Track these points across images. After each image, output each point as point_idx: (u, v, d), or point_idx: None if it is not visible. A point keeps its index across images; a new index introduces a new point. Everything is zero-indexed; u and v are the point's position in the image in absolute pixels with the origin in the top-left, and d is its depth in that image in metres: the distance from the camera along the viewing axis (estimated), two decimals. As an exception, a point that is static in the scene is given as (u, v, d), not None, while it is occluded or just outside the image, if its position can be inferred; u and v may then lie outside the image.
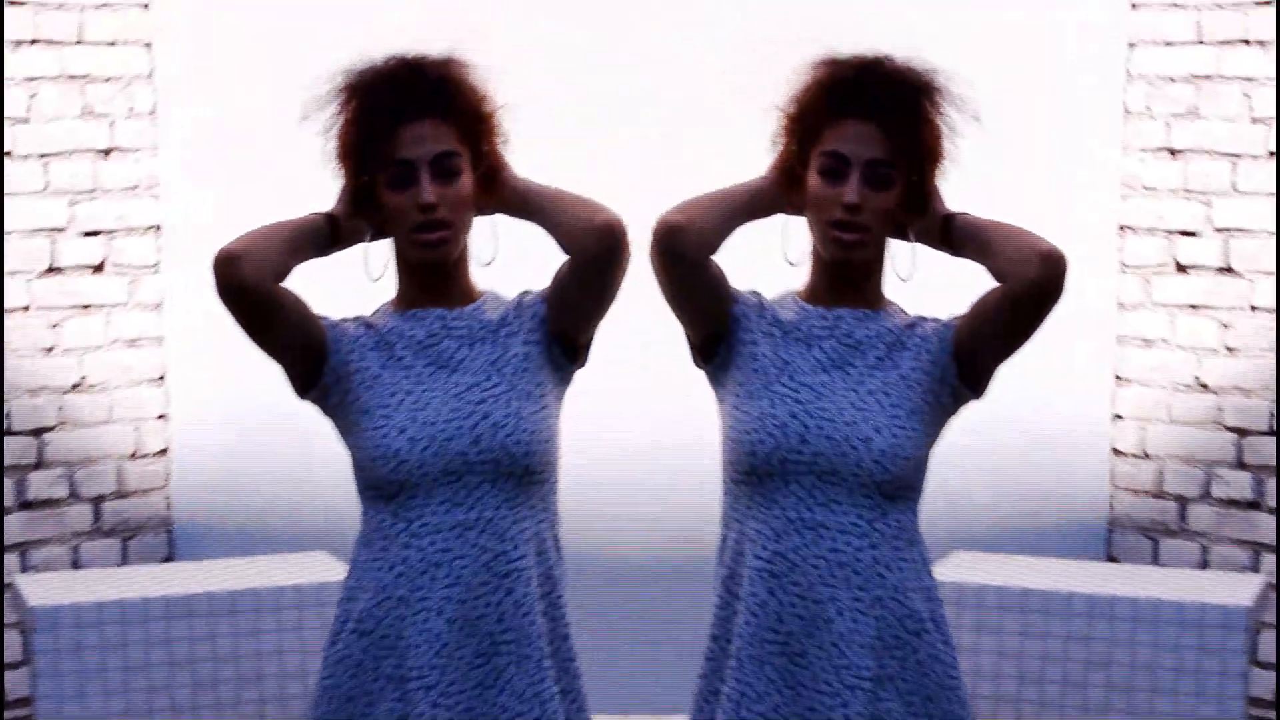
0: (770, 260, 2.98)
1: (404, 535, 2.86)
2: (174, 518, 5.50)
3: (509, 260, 3.03)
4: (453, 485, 2.86)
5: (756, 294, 2.98)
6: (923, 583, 2.90)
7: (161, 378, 5.48)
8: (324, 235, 2.88)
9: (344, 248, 2.92)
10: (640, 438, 5.16)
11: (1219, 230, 5.30)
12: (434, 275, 2.92)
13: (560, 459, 2.97)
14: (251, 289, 2.78)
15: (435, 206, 2.82)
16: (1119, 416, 5.50)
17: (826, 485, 2.85)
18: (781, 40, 4.44)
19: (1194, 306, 5.36)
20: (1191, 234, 5.35)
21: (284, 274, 2.83)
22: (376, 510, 2.89)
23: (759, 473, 2.86)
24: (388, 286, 2.99)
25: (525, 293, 2.98)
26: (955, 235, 2.89)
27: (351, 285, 2.98)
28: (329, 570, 4.61)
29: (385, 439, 2.85)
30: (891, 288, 2.96)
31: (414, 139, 2.83)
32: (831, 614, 2.83)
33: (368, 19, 4.94)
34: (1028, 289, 2.79)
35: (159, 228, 5.44)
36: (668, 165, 4.93)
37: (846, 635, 2.83)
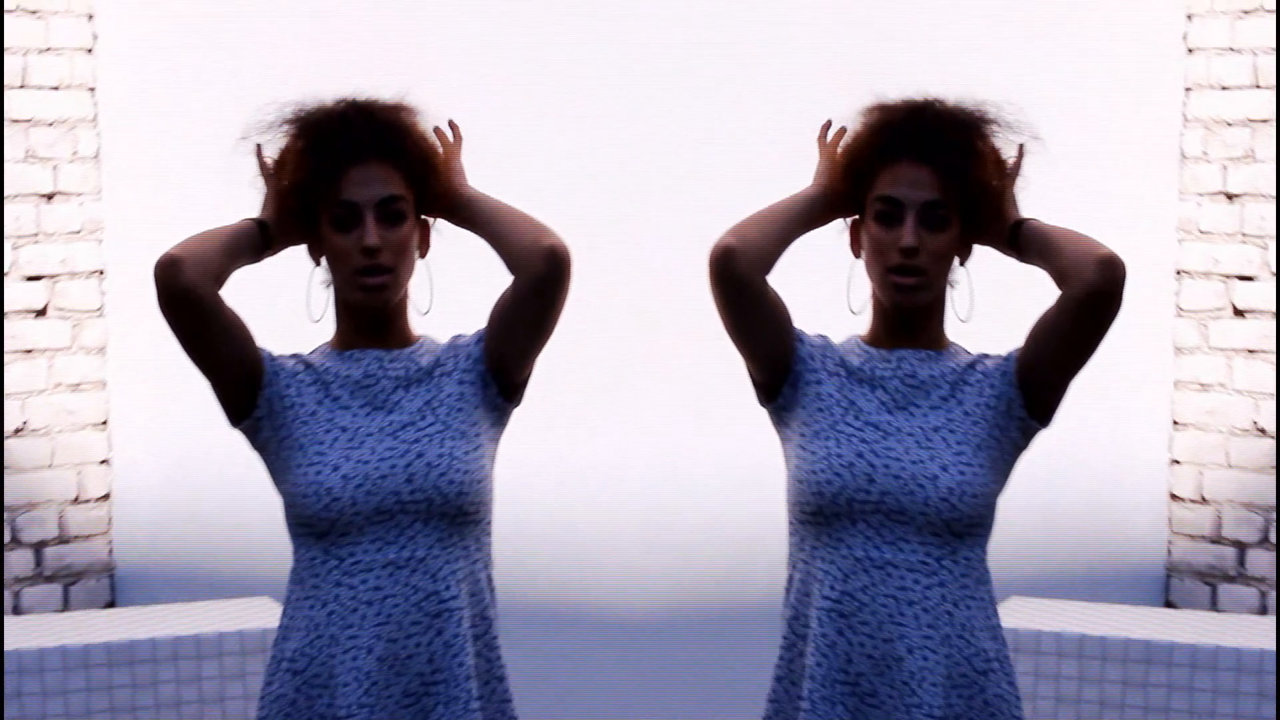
0: (830, 307, 2.99)
1: (335, 573, 2.85)
2: (116, 563, 5.47)
3: (448, 306, 3.03)
4: (385, 524, 2.85)
5: (823, 336, 3.00)
6: (990, 621, 2.91)
7: (104, 422, 5.45)
8: (257, 241, 2.89)
9: (275, 253, 2.93)
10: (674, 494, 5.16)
11: (1276, 274, 5.32)
12: (372, 317, 2.93)
13: (494, 500, 2.97)
14: (193, 292, 2.78)
15: (379, 250, 2.83)
16: (1176, 461, 5.52)
17: (894, 524, 2.85)
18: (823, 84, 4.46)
19: (1251, 351, 5.38)
20: (1248, 278, 5.37)
21: (223, 278, 2.84)
22: (307, 548, 2.88)
23: (826, 513, 2.87)
24: (325, 329, 2.99)
25: (458, 335, 2.99)
26: (1022, 240, 2.90)
27: (290, 327, 2.97)
28: (272, 616, 4.59)
29: (319, 476, 2.84)
30: (952, 329, 2.99)
31: (360, 181, 2.84)
32: (901, 652, 2.84)
33: (314, 65, 4.94)
34: (1084, 293, 2.79)
35: (102, 272, 5.42)
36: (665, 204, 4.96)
37: (917, 674, 2.83)
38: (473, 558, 2.92)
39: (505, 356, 2.94)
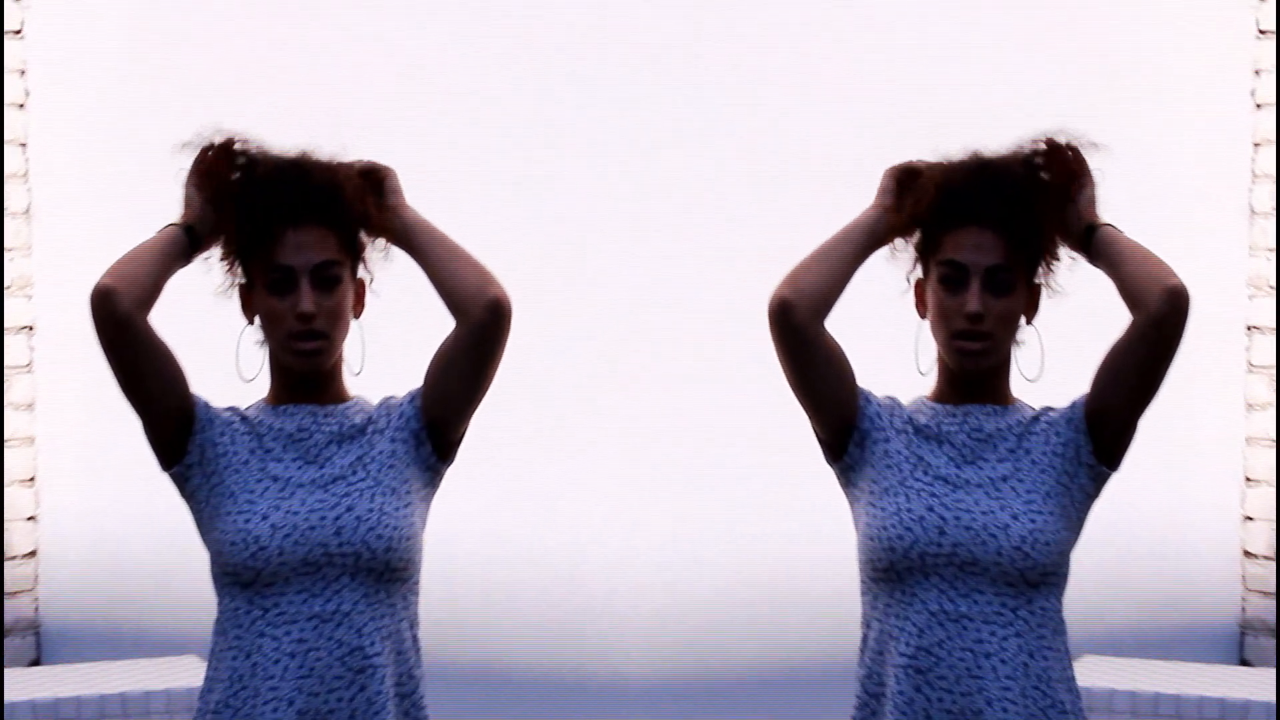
0: (896, 368, 3.01)
1: (260, 623, 2.86)
2: (42, 620, 5.43)
3: (379, 367, 3.04)
4: (311, 576, 2.87)
5: (892, 398, 3.03)
6: (1066, 673, 2.92)
7: (32, 479, 5.41)
8: (184, 246, 2.92)
9: (205, 251, 2.95)
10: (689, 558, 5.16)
11: (1346, 330, 5.37)
12: (306, 377, 2.93)
13: (423, 559, 2.97)
14: (130, 320, 2.81)
15: (313, 316, 2.84)
16: (1249, 518, 5.54)
17: (967, 576, 2.86)
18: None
19: (1322, 406, 5.41)
20: (1319, 334, 5.41)
21: (159, 293, 2.87)
22: (232, 597, 2.89)
23: (898, 568, 2.88)
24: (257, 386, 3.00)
25: (390, 396, 3.00)
26: (1094, 246, 2.92)
27: (223, 384, 2.98)
28: (199, 674, 4.56)
29: (248, 524, 2.85)
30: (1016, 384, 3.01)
31: (296, 245, 2.86)
32: (980, 705, 2.85)
33: (252, 121, 4.94)
34: (1146, 322, 2.83)
35: (32, 328, 5.40)
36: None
37: None
38: (399, 616, 2.93)
39: (444, 406, 2.96)
